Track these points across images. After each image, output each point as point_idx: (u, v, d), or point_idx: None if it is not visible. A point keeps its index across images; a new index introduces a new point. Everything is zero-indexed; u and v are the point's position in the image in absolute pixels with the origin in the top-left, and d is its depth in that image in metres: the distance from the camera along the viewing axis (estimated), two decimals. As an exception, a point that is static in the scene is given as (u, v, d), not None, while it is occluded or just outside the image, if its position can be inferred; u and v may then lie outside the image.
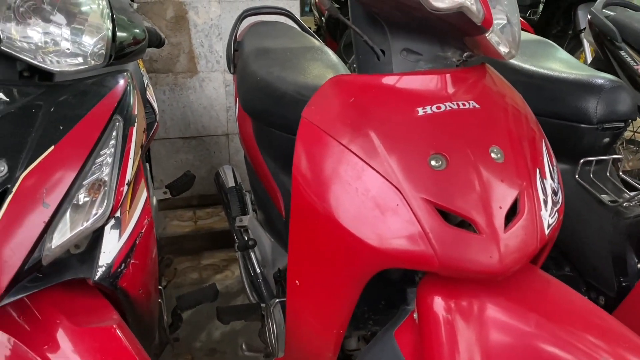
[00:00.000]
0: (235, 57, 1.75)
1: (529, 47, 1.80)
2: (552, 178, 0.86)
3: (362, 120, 0.82)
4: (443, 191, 0.76)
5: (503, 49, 0.85)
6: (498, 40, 0.85)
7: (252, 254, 1.69)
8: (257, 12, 1.82)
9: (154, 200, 1.85)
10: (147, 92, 1.73)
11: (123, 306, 0.86)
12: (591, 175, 1.52)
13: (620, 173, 1.56)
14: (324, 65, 1.55)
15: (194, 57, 2.49)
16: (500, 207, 0.76)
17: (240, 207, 1.86)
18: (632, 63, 2.08)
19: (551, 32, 3.84)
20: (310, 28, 1.93)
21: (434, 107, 0.81)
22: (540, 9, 4.06)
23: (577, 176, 1.52)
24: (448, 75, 0.84)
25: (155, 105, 1.78)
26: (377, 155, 0.79)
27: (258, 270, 1.65)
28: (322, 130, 0.85)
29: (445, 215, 0.77)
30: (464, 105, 0.82)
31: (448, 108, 0.81)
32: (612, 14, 2.22)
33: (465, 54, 0.88)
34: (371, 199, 0.78)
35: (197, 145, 2.64)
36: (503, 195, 0.77)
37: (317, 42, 1.76)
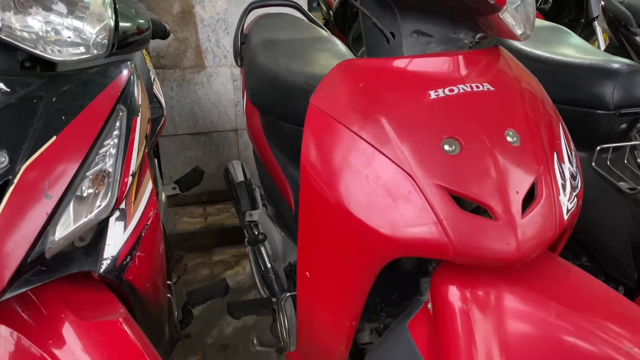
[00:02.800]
0: (242, 50, 1.73)
1: (542, 34, 1.76)
2: (570, 162, 0.83)
3: (372, 105, 0.80)
4: (457, 176, 0.73)
5: (517, 30, 0.82)
6: (512, 21, 0.82)
7: (262, 249, 1.68)
8: (263, 5, 1.80)
9: (163, 197, 1.84)
10: (154, 86, 1.71)
11: (130, 300, 0.84)
12: (608, 163, 1.48)
13: (639, 160, 1.52)
14: (333, 55, 1.52)
15: (201, 52, 2.47)
16: (517, 192, 0.73)
17: (250, 201, 1.84)
18: (648, 48, 2.03)
19: (563, 21, 3.77)
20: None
21: (446, 90, 0.78)
22: (552, -2, 4.00)
23: (593, 164, 1.48)
24: (461, 57, 0.81)
25: (162, 100, 1.76)
26: (388, 141, 0.76)
27: (269, 265, 1.64)
28: (331, 117, 0.83)
29: (460, 201, 0.74)
30: (477, 87, 0.79)
31: (461, 91, 0.78)
32: (626, -1, 2.17)
33: (478, 35, 0.85)
34: (382, 186, 0.76)
35: (206, 141, 2.63)
36: (520, 180, 0.74)
37: (325, 33, 1.74)
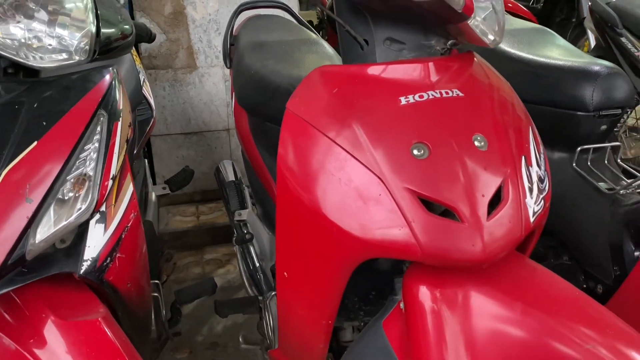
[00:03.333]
0: (232, 51, 1.75)
1: (526, 35, 1.78)
2: (538, 165, 0.86)
3: (345, 110, 0.82)
4: (425, 180, 0.76)
5: (487, 37, 0.84)
6: (482, 28, 0.84)
7: (251, 248, 1.70)
8: (253, 6, 1.82)
9: (153, 196, 1.86)
10: (143, 88, 1.73)
11: (112, 300, 0.86)
12: (589, 163, 1.50)
13: (619, 160, 1.55)
14: (319, 57, 1.54)
15: (192, 52, 2.49)
16: (483, 196, 0.76)
17: (239, 201, 1.86)
18: (632, 49, 2.06)
19: (554, 21, 3.81)
20: (312, 21, 1.93)
21: (416, 96, 0.80)
22: (544, -2, 4.03)
23: (574, 164, 1.50)
24: (431, 64, 0.83)
25: (151, 101, 1.79)
26: (360, 146, 0.79)
27: (257, 264, 1.66)
28: (306, 121, 0.85)
29: (429, 204, 0.77)
30: (447, 93, 0.81)
31: (431, 97, 0.81)
32: (613, 0, 2.20)
33: (449, 42, 0.87)
34: (354, 189, 0.78)
35: (198, 141, 2.65)
36: (486, 184, 0.77)
37: (313, 35, 1.76)
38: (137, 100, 1.59)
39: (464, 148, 0.78)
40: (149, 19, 2.38)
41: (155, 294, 1.35)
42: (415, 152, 0.77)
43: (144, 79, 1.79)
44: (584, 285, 1.46)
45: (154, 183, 2.59)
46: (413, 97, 0.80)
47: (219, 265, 2.33)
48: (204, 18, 2.45)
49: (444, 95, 0.81)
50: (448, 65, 0.85)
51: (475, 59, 0.92)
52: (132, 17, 2.37)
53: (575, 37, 3.83)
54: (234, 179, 1.97)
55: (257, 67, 1.46)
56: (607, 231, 1.39)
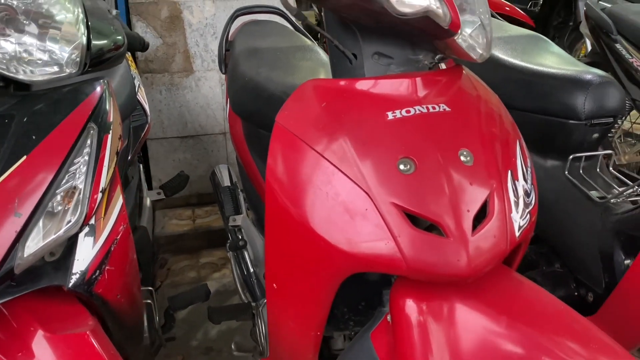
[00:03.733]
0: (227, 57, 1.75)
1: (520, 43, 1.79)
2: (524, 179, 0.86)
3: (334, 125, 0.83)
4: (411, 195, 0.76)
5: (475, 51, 0.85)
6: (471, 43, 0.84)
7: (245, 253, 1.71)
8: (249, 12, 1.82)
9: (148, 201, 1.87)
10: (138, 94, 1.74)
11: (102, 311, 0.87)
12: (581, 171, 1.51)
13: (611, 169, 1.55)
14: (313, 64, 1.55)
15: (189, 56, 2.50)
16: (469, 210, 0.76)
17: (234, 206, 1.87)
18: (627, 56, 2.06)
19: (552, 24, 3.82)
20: (312, 23, 1.95)
21: (403, 111, 0.81)
22: (541, 1, 4.03)
23: (566, 172, 1.51)
24: (418, 79, 0.84)
25: (146, 106, 1.79)
26: (347, 160, 0.79)
27: (251, 270, 1.66)
28: (294, 135, 0.86)
29: (416, 219, 0.77)
30: (434, 108, 0.82)
31: (418, 112, 0.81)
32: (609, 5, 2.20)
33: (437, 57, 0.88)
34: (341, 203, 0.79)
35: (194, 144, 2.66)
36: (472, 199, 0.77)
37: (308, 41, 1.76)
38: (132, 106, 1.60)
39: (449, 163, 0.78)
40: (145, 23, 2.39)
41: (149, 301, 1.36)
42: (401, 167, 0.77)
43: (139, 85, 1.80)
44: (575, 293, 1.47)
45: (150, 187, 2.60)
46: (400, 112, 0.81)
47: (214, 269, 2.34)
48: (200, 22, 2.45)
49: (431, 110, 0.82)
50: (436, 79, 0.86)
51: (464, 72, 0.93)
52: (129, 22, 2.38)
53: (573, 40, 3.84)
54: (229, 184, 1.98)
55: (251, 74, 1.47)
56: (598, 239, 1.40)
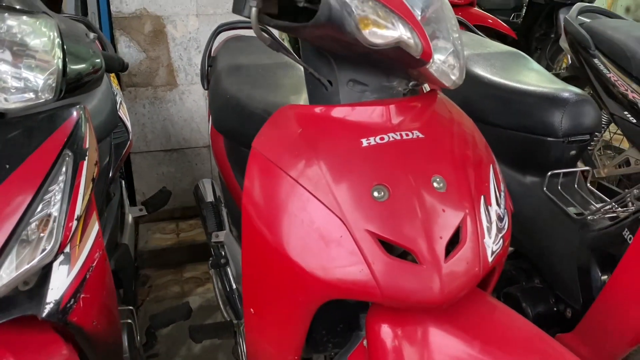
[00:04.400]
0: (210, 72, 1.76)
1: (500, 59, 1.81)
2: (498, 204, 0.87)
3: (309, 151, 0.84)
4: (385, 222, 0.77)
5: (448, 78, 0.86)
6: (443, 70, 0.85)
7: (228, 270, 1.70)
8: (232, 27, 1.82)
9: (130, 218, 1.86)
10: (120, 110, 1.74)
11: (77, 339, 0.86)
12: (559, 188, 1.53)
13: (588, 185, 1.58)
14: (295, 82, 1.56)
15: (173, 70, 2.50)
16: (441, 237, 0.77)
17: (217, 222, 1.86)
18: (605, 71, 2.08)
19: (534, 36, 3.87)
20: (289, 49, 1.96)
21: (377, 138, 0.82)
22: (524, 13, 4.09)
23: (545, 188, 1.53)
24: (392, 106, 0.85)
25: (128, 123, 1.79)
26: (322, 187, 0.80)
27: (234, 287, 1.66)
28: (270, 161, 0.86)
29: (390, 245, 0.78)
30: (407, 135, 0.83)
31: (391, 139, 0.82)
32: (587, 21, 2.23)
33: (411, 83, 0.89)
34: (316, 230, 0.79)
35: (178, 158, 2.65)
36: (444, 225, 0.78)
37: (290, 59, 1.77)
38: (113, 124, 1.60)
39: (422, 190, 0.79)
40: (129, 38, 2.39)
41: (129, 321, 1.35)
42: (375, 194, 0.78)
43: (120, 101, 1.80)
44: (555, 309, 1.48)
45: (134, 201, 2.58)
46: (374, 139, 0.82)
47: (198, 284, 2.33)
48: (184, 36, 2.46)
49: (404, 137, 0.83)
50: (409, 105, 0.87)
51: (438, 96, 0.94)
52: (112, 36, 2.38)
53: (555, 52, 3.89)
54: (212, 199, 1.97)
55: (233, 91, 1.47)
56: (575, 256, 1.41)
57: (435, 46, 0.83)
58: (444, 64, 0.85)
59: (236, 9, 0.85)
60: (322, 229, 0.79)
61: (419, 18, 0.79)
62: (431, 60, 0.81)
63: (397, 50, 0.77)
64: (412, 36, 0.77)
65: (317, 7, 0.74)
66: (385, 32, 0.75)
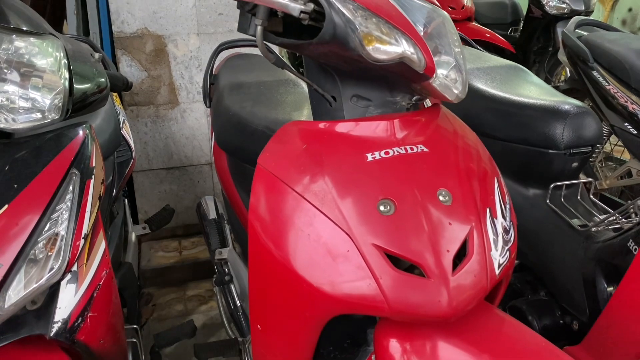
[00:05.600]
0: (212, 91, 1.77)
1: (500, 73, 1.83)
2: (503, 216, 0.87)
3: (314, 167, 0.84)
4: (392, 236, 0.77)
5: (450, 92, 0.87)
6: (446, 84, 0.86)
7: (232, 287, 1.70)
8: (233, 45, 1.84)
9: (133, 236, 1.86)
10: (123, 129, 1.74)
11: (84, 358, 0.86)
12: (562, 200, 1.53)
13: (591, 196, 1.58)
14: (297, 98, 1.57)
15: (174, 88, 2.51)
16: (448, 251, 0.78)
17: (220, 239, 1.86)
18: (604, 83, 2.10)
19: (532, 49, 3.90)
20: (290, 66, 1.98)
21: (382, 153, 0.82)
22: (521, 27, 4.12)
23: (548, 201, 1.53)
24: (396, 121, 0.85)
25: (131, 142, 1.80)
26: (328, 202, 0.80)
27: (238, 304, 1.66)
28: (276, 177, 0.87)
29: (397, 259, 0.78)
30: (412, 149, 0.84)
31: (396, 153, 0.83)
32: (585, 34, 2.25)
33: (414, 98, 0.90)
34: (323, 245, 0.80)
35: (180, 176, 2.66)
36: (451, 238, 0.79)
37: (292, 75, 1.78)
38: (116, 142, 1.61)
39: (428, 203, 0.80)
40: (130, 57, 2.40)
41: (134, 340, 1.35)
42: (381, 208, 0.79)
43: (123, 120, 1.81)
44: (561, 321, 1.47)
45: (136, 219, 2.58)
46: (379, 153, 0.82)
47: (201, 302, 2.32)
48: (185, 55, 2.48)
49: (409, 151, 0.83)
50: (413, 120, 0.88)
51: (441, 110, 0.95)
52: (114, 56, 2.40)
53: (553, 65, 3.91)
54: (215, 217, 1.98)
55: (235, 109, 1.48)
56: (580, 267, 1.41)
57: (438, 61, 0.84)
58: (447, 78, 0.86)
59: (241, 28, 0.86)
60: (329, 244, 0.79)
61: (421, 33, 0.80)
62: (434, 75, 0.81)
63: (401, 65, 0.78)
64: (415, 51, 0.78)
65: (322, 25, 0.75)
66: (388, 48, 0.76)
